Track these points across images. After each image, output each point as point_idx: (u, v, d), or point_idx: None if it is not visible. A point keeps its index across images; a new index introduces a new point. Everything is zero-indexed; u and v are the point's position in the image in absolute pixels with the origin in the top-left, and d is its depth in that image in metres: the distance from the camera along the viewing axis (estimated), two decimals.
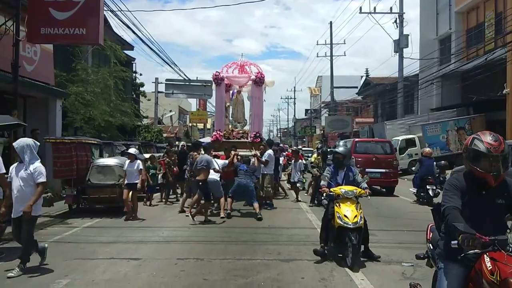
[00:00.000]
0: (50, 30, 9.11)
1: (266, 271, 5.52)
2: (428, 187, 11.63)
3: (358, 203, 5.95)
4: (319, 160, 12.20)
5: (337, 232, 5.83)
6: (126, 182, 9.55)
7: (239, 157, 10.95)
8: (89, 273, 5.42)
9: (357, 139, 17.32)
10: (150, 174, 11.58)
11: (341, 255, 5.93)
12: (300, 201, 12.28)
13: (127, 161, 9.67)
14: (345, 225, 5.64)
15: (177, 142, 11.80)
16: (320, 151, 12.74)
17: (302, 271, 5.55)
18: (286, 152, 18.71)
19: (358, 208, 5.85)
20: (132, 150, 9.97)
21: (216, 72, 13.48)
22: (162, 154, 14.00)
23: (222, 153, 11.14)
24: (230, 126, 14.34)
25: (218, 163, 9.74)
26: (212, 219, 9.35)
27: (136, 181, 9.46)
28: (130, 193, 9.45)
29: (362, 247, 5.96)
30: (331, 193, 6.06)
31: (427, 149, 13.33)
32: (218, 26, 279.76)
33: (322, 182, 6.38)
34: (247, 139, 12.95)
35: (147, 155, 13.03)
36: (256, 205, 9.71)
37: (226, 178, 10.29)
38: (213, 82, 13.63)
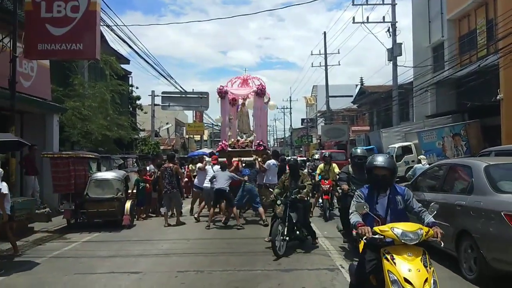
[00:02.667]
0: (47, 46, 9.18)
1: (266, 282, 5.52)
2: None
3: (426, 254, 3.39)
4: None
5: None
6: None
7: (243, 164, 11.54)
8: None
9: (323, 151, 25.50)
10: (141, 188, 11.36)
11: None
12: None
13: None
14: None
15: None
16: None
17: (303, 280, 5.56)
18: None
19: (428, 263, 3.33)
20: None
21: (221, 86, 14.17)
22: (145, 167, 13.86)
23: (224, 158, 11.74)
24: (233, 137, 14.66)
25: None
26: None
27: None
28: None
29: None
30: (377, 236, 3.48)
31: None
32: (213, 39, 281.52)
33: (354, 219, 3.72)
34: (251, 148, 13.46)
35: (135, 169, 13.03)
36: (261, 209, 10.21)
37: (233, 185, 10.54)
38: (218, 96, 14.23)
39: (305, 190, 7.41)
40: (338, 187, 5.75)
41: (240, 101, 14.92)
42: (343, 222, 6.97)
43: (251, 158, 11.69)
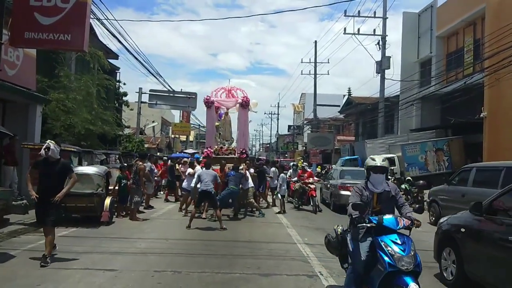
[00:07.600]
0: (34, 35, 8.95)
1: (244, 285, 5.47)
2: None
3: None
4: None
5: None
6: None
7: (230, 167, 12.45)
8: (62, 283, 5.28)
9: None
10: (122, 185, 11.19)
11: None
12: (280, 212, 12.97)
13: None
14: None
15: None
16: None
17: (281, 286, 5.52)
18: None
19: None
20: None
21: (207, 96, 15.39)
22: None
23: (217, 167, 12.51)
24: (216, 144, 15.58)
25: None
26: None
27: None
28: None
29: None
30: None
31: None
32: (204, 41, 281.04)
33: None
34: (235, 155, 14.76)
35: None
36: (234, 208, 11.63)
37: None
38: (204, 105, 15.28)
39: None
40: None
41: (223, 110, 16.08)
42: None
43: (237, 166, 12.38)
